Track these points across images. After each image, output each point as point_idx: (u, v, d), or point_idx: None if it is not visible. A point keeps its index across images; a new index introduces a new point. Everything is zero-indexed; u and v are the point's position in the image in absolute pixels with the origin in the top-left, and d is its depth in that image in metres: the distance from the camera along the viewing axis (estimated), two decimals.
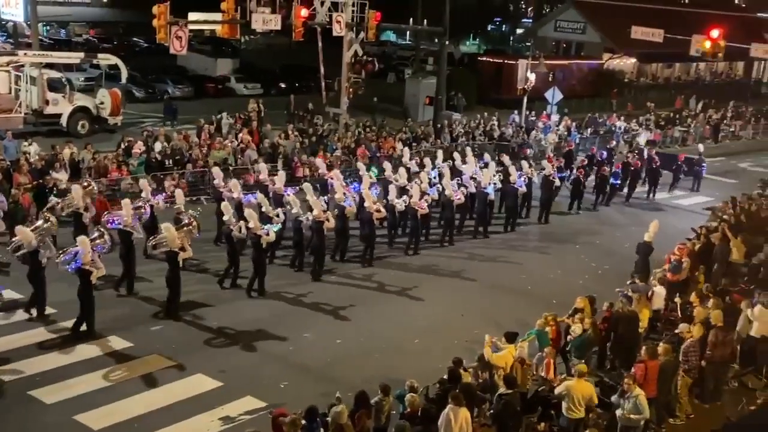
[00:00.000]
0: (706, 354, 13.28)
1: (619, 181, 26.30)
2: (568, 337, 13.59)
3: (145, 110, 35.29)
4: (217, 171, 20.34)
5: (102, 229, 15.54)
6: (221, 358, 13.96)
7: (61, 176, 20.37)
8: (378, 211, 19.17)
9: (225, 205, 17.39)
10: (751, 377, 14.41)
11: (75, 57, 32.78)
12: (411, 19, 53.32)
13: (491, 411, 11.46)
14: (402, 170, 22.17)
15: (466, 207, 21.77)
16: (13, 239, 15.20)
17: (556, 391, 11.47)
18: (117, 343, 14.18)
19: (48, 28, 58.33)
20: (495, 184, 22.28)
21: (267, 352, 14.34)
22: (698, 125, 39.12)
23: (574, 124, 35.17)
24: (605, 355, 14.36)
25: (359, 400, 10.61)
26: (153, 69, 41.56)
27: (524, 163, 23.95)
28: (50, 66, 29.92)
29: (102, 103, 29.95)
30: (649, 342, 13.35)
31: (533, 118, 35.73)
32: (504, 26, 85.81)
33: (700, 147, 32.06)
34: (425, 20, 46.57)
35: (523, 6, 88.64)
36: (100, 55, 32.44)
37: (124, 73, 31.40)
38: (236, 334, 14.91)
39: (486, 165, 23.82)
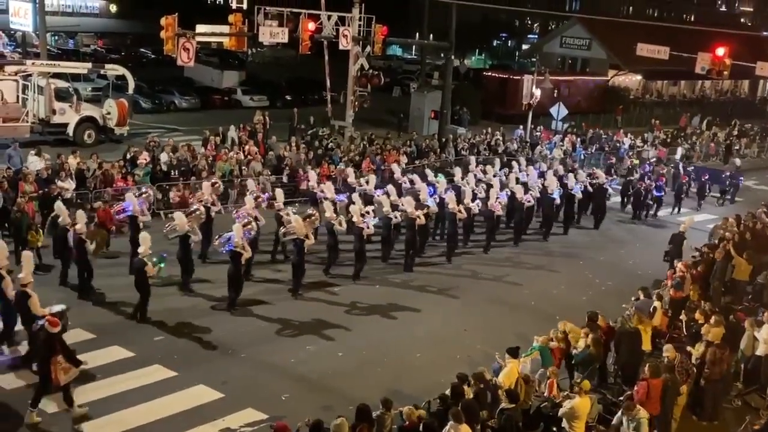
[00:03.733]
0: (705, 372, 13.22)
1: (663, 193, 27.21)
2: (573, 352, 13.55)
3: (152, 121, 35.45)
4: (312, 174, 22.45)
5: (251, 217, 17.70)
6: (223, 369, 13.93)
7: (67, 185, 20.43)
8: (460, 212, 20.52)
9: (327, 204, 19.25)
10: (754, 397, 14.33)
11: (82, 67, 32.96)
12: (417, 34, 53.62)
13: (492, 426, 11.40)
14: (471, 176, 23.84)
15: (531, 210, 23.45)
16: (169, 223, 17.24)
17: (561, 413, 11.40)
18: (119, 352, 14.16)
19: (56, 38, 58.75)
20: (560, 189, 23.88)
21: (268, 363, 14.31)
22: (703, 143, 39.14)
23: (579, 140, 35.23)
24: (606, 371, 14.31)
25: (361, 413, 10.57)
26: (160, 80, 41.81)
27: (581, 172, 25.82)
28: (58, 76, 30.07)
29: (109, 113, 30.08)
30: (652, 360, 13.30)
31: (538, 133, 35.82)
32: (510, 42, 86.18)
33: (737, 161, 32.93)
34: (431, 35, 46.82)
35: (529, 22, 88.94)
36: (107, 66, 32.62)
37: (131, 84, 31.56)
38: (238, 345, 14.88)
39: (542, 174, 25.08)
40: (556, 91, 43.94)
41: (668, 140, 38.68)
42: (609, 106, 47.98)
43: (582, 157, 32.95)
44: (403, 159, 27.85)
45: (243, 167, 24.81)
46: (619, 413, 11.43)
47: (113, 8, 65.13)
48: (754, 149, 41.21)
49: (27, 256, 14.01)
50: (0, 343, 13.79)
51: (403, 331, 16.19)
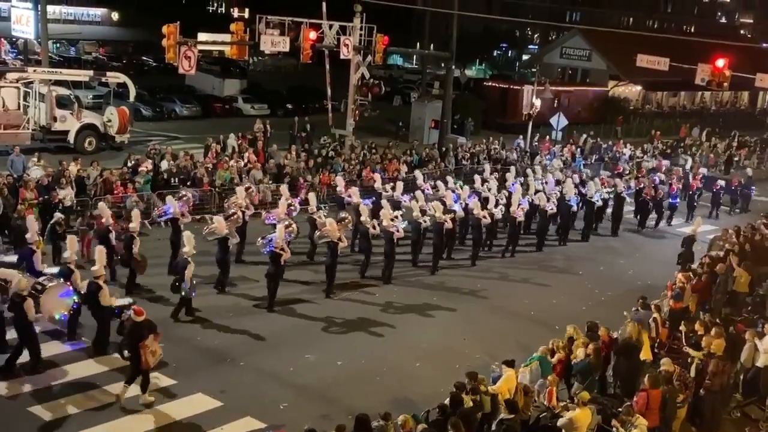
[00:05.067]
0: (706, 383, 13.20)
1: (678, 201, 27.82)
2: (573, 362, 13.54)
3: (153, 129, 35.50)
4: (340, 180, 23.12)
5: (291, 220, 18.75)
6: (222, 377, 13.90)
7: (66, 193, 20.39)
8: (485, 217, 21.24)
9: (363, 208, 20.02)
10: (753, 408, 14.31)
11: (84, 75, 33.03)
12: (418, 44, 53.76)
13: None
14: (493, 183, 24.88)
15: (552, 217, 24.10)
16: (207, 226, 17.91)
17: (560, 423, 11.38)
18: (117, 360, 14.10)
19: (58, 45, 58.85)
20: (578, 197, 24.74)
21: (268, 372, 14.29)
22: (703, 154, 39.21)
23: (578, 150, 35.29)
24: (606, 380, 14.29)
25: (359, 423, 10.54)
26: (161, 88, 41.88)
27: (597, 180, 26.37)
28: (59, 83, 30.11)
29: (109, 120, 30.12)
30: (652, 370, 13.29)
31: (536, 143, 35.90)
32: (510, 52, 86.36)
33: (749, 171, 33.36)
34: (432, 45, 46.97)
35: (529, 32, 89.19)
36: (108, 73, 32.69)
37: (133, 92, 31.60)
38: (238, 352, 14.87)
39: (558, 182, 25.74)
40: (556, 101, 44.04)
41: (668, 151, 38.73)
42: (609, 117, 48.07)
43: (581, 167, 32.97)
44: (403, 168, 27.90)
45: (243, 175, 24.81)
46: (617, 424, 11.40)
47: (115, 16, 65.31)
48: (754, 160, 41.25)
49: (101, 250, 14.99)
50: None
51: (402, 341, 16.15)
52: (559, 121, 35.96)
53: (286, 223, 18.08)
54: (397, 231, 19.23)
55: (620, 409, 12.03)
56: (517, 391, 12.01)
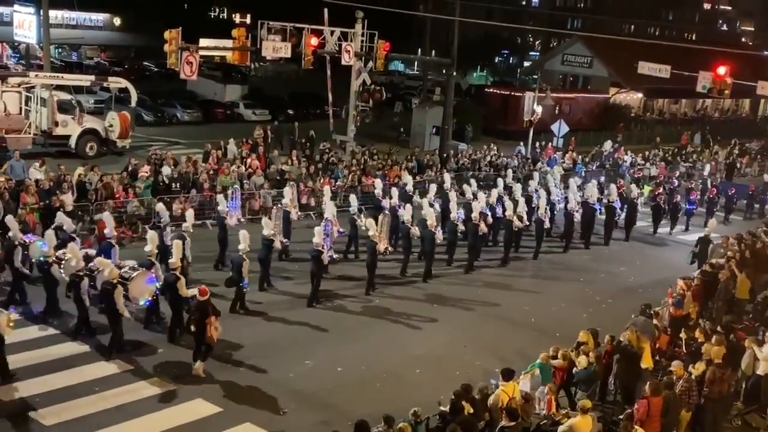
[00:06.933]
0: (704, 391, 13.17)
1: (694, 207, 28.11)
2: (574, 370, 13.49)
3: (154, 134, 35.55)
4: (378, 183, 23.68)
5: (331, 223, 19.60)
6: (221, 383, 13.87)
7: (67, 198, 20.41)
8: (516, 219, 22.13)
9: (407, 209, 20.74)
10: (754, 416, 14.26)
11: (85, 79, 33.08)
12: (419, 50, 53.73)
13: None
14: (518, 187, 25.27)
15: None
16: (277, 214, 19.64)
17: (560, 430, 11.33)
18: (117, 365, 14.13)
19: (60, 50, 59.00)
20: (602, 201, 25.51)
21: (267, 378, 14.25)
22: (704, 161, 39.21)
23: (580, 157, 35.31)
24: (607, 388, 14.26)
25: (359, 429, 10.52)
26: (163, 93, 41.93)
27: (613, 186, 26.69)
28: (61, 88, 30.18)
29: (111, 125, 30.15)
30: (653, 377, 13.24)
31: (538, 150, 35.92)
32: (511, 58, 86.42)
33: (766, 177, 33.74)
34: (433, 51, 47.01)
35: (531, 39, 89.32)
36: (110, 78, 32.74)
37: (134, 97, 31.66)
38: (237, 359, 14.84)
39: (580, 187, 26.59)
40: (557, 108, 44.08)
41: (669, 158, 38.73)
42: (610, 124, 48.08)
43: (583, 174, 32.98)
44: (405, 174, 27.86)
45: (244, 181, 24.82)
46: None
47: (117, 21, 65.41)
48: (755, 168, 41.28)
49: (177, 244, 15.92)
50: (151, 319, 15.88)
51: (402, 348, 16.11)
52: (560, 128, 35.98)
53: (325, 227, 18.78)
54: (438, 231, 20.07)
55: (621, 417, 12.01)
56: (510, 401, 11.90)
